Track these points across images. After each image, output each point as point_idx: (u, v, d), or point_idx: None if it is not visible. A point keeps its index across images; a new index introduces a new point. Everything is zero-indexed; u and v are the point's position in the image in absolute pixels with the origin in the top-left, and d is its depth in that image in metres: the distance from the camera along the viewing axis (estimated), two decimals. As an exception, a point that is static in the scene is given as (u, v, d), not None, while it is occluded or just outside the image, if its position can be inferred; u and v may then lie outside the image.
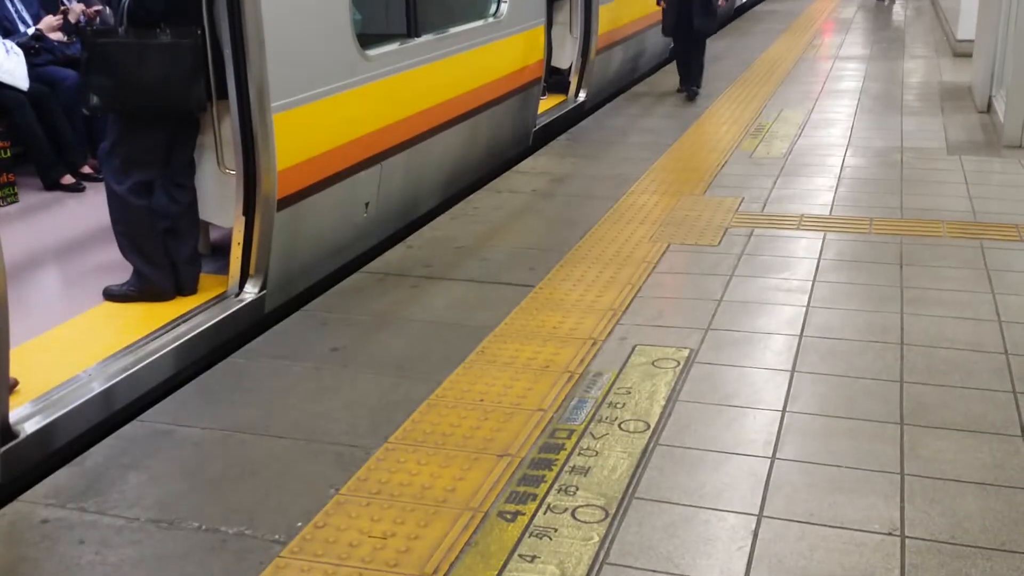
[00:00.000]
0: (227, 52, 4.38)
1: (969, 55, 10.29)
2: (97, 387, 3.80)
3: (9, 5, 6.51)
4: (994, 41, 8.27)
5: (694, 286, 4.86)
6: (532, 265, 5.15)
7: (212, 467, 3.33)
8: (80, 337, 4.26)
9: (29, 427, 3.50)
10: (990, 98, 8.44)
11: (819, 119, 8.49)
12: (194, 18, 4.35)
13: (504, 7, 7.05)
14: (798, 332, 4.29)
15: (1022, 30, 7.24)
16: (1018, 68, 7.33)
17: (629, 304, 4.61)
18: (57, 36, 6.58)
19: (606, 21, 9.17)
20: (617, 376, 3.89)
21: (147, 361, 4.03)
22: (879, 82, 10.19)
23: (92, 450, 3.45)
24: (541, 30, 7.77)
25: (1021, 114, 7.34)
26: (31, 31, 6.47)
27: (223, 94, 4.46)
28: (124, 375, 3.91)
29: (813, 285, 4.83)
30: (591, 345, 4.17)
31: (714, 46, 12.89)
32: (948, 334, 4.24)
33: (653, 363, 3.99)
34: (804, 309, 4.54)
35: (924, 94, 9.56)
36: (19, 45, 6.25)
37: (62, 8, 6.69)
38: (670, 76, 10.74)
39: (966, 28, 11.11)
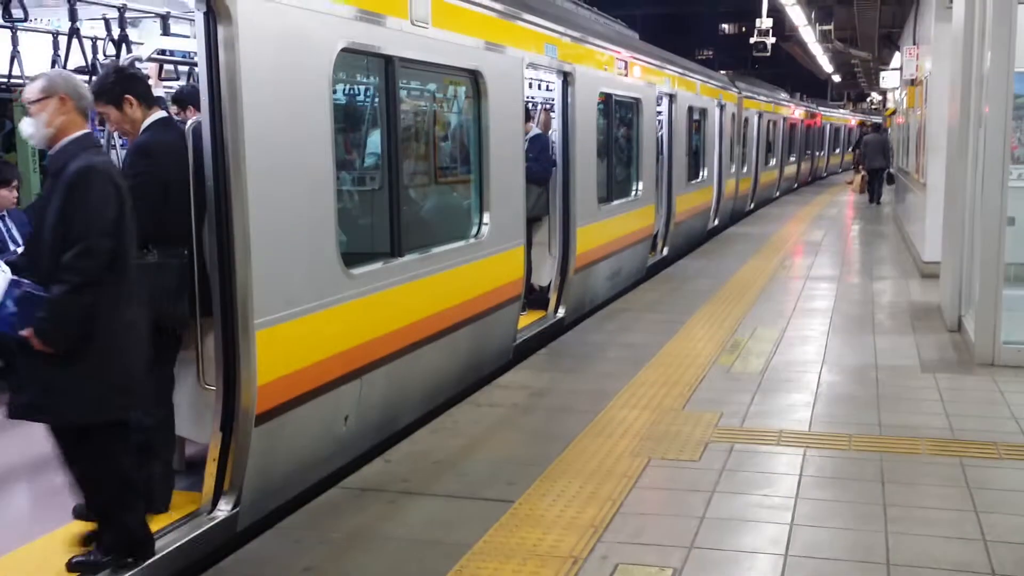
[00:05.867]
0: (213, 272, 4.48)
1: (936, 276, 10.61)
2: (59, 610, 3.66)
3: (0, 225, 6.68)
4: (959, 263, 8.56)
5: (676, 502, 4.80)
6: (512, 480, 5.09)
7: None
8: (47, 557, 4.13)
9: (-16, 653, 3.34)
10: (960, 317, 8.64)
11: (793, 336, 8.64)
12: (181, 239, 4.48)
13: (485, 229, 7.29)
14: (783, 551, 4.22)
15: (986, 253, 7.51)
16: (984, 289, 7.56)
17: (611, 520, 4.53)
18: (46, 254, 6.71)
19: (583, 242, 9.46)
20: (599, 597, 3.78)
21: (113, 583, 3.89)
22: (850, 301, 10.44)
23: None
24: (521, 250, 8.00)
25: (991, 333, 7.50)
26: (20, 251, 6.61)
27: (207, 311, 4.53)
28: (88, 597, 3.77)
29: (796, 502, 4.78)
30: (571, 564, 4.07)
31: (688, 267, 13.27)
32: (934, 553, 4.17)
33: (636, 583, 3.89)
34: (788, 527, 4.48)
35: (894, 313, 9.79)
36: (6, 263, 6.36)
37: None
38: (647, 293, 10.99)
39: (932, 250, 11.50)
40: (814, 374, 7.31)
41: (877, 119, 37.09)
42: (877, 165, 23.76)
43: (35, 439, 5.63)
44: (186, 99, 5.66)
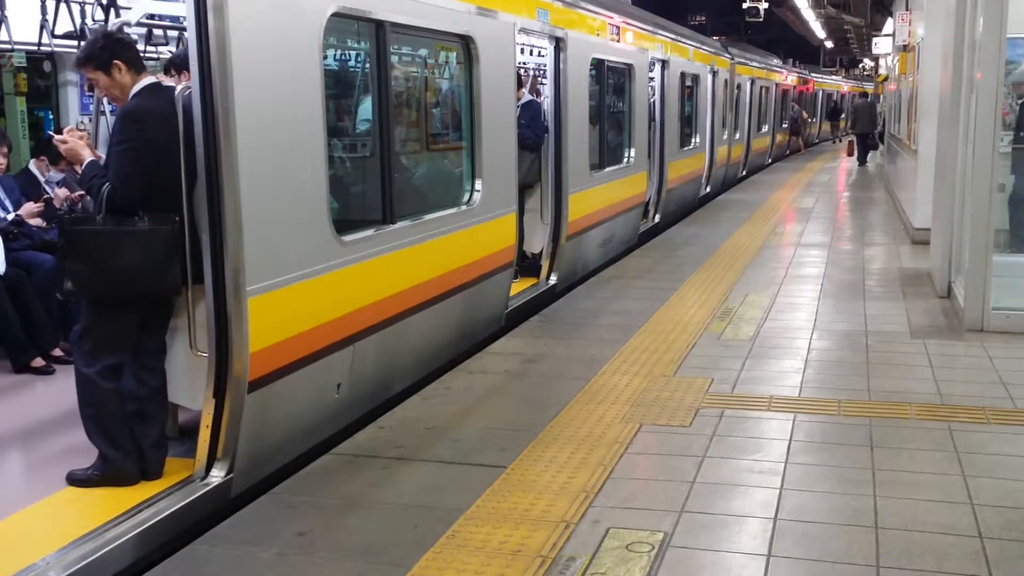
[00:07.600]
0: (204, 238, 4.47)
1: (927, 242, 10.63)
2: None
3: (-9, 191, 6.65)
4: (950, 229, 8.58)
5: (667, 467, 4.83)
6: (504, 446, 5.12)
7: (170, 660, 3.20)
8: (40, 523, 4.15)
9: (-20, 618, 3.37)
10: (950, 284, 8.67)
11: (784, 303, 8.67)
12: (172, 205, 4.46)
13: (477, 196, 7.28)
14: (772, 515, 4.25)
15: (976, 219, 7.53)
16: (974, 255, 7.58)
17: (602, 485, 4.56)
18: (36, 222, 6.70)
19: (575, 209, 9.46)
20: (591, 561, 3.81)
21: (107, 549, 3.92)
22: (841, 268, 10.47)
23: (45, 642, 3.31)
24: (512, 217, 8.00)
25: (980, 299, 7.54)
26: (11, 216, 6.59)
27: (199, 278, 4.52)
28: (83, 563, 3.80)
29: (785, 467, 4.82)
30: (564, 528, 4.10)
31: (680, 233, 13.28)
32: (922, 517, 4.21)
33: (627, 547, 3.92)
34: (777, 491, 4.51)
35: (885, 279, 9.82)
36: (-2, 230, 6.35)
37: (44, 196, 6.84)
38: (639, 260, 11.01)
39: (923, 217, 11.53)
40: (804, 340, 7.34)
41: (869, 85, 37.07)
42: (864, 130, 24.05)
43: (27, 406, 5.66)
44: (179, 64, 5.60)
